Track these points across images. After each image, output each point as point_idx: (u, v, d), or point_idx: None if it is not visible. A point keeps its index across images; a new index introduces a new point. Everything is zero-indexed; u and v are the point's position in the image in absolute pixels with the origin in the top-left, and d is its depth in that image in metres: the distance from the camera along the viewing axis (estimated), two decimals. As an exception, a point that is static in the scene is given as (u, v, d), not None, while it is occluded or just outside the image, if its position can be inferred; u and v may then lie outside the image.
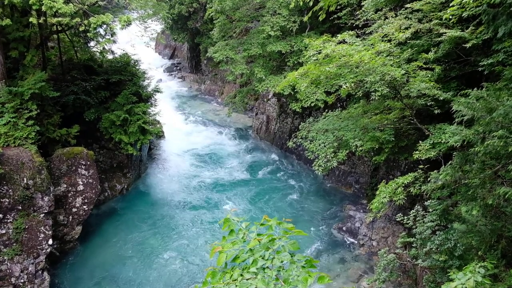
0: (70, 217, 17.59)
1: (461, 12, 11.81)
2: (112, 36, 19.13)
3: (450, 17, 12.23)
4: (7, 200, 14.80)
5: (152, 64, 43.76)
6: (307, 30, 23.27)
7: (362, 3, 16.97)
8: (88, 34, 18.68)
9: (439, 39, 13.01)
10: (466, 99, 9.83)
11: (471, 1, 11.05)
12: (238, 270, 4.45)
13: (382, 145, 14.46)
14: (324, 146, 15.64)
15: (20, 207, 15.03)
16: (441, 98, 12.44)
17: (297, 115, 26.47)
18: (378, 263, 14.46)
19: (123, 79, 21.79)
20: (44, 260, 15.37)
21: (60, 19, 16.20)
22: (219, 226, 19.28)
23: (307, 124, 17.72)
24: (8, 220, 14.80)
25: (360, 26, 16.79)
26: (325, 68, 12.67)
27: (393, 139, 13.99)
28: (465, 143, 9.86)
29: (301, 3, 12.73)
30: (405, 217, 13.73)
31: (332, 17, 19.23)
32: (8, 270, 14.55)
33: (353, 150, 14.91)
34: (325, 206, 21.97)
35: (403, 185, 12.52)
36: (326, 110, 18.25)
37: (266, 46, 22.35)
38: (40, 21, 16.70)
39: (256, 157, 27.64)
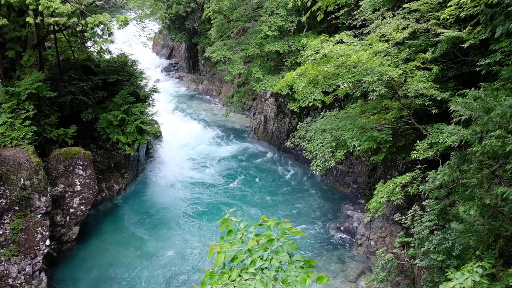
0: (68, 217, 17.54)
1: (458, 12, 11.82)
2: (109, 36, 19.08)
3: (448, 17, 12.25)
4: (4, 200, 14.74)
5: (150, 64, 43.70)
6: (305, 30, 23.27)
7: (360, 3, 16.98)
8: (85, 34, 18.66)
9: (437, 39, 13.03)
10: (463, 99, 9.84)
11: (468, 1, 11.07)
12: (237, 271, 4.44)
13: (380, 145, 14.47)
14: (322, 146, 15.64)
15: (17, 208, 14.98)
16: (439, 98, 12.46)
17: (294, 115, 26.48)
18: (376, 262, 14.47)
19: (121, 79, 21.75)
20: (42, 260, 15.33)
21: (57, 19, 16.14)
22: (217, 226, 19.25)
23: (305, 124, 17.70)
24: (5, 221, 14.74)
25: (358, 26, 16.80)
26: (323, 68, 12.66)
27: (391, 139, 14.00)
28: (462, 143, 9.87)
29: (299, 3, 12.74)
30: (403, 217, 13.75)
31: (330, 17, 19.23)
32: (5, 271, 14.49)
33: (351, 150, 14.91)
34: (323, 206, 21.99)
35: (401, 184, 12.52)
36: (324, 110, 18.26)
37: (264, 46, 22.35)
38: (37, 21, 16.66)
39: (253, 157, 27.62)
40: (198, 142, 29.59)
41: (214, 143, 29.73)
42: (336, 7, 16.29)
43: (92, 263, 17.37)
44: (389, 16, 14.59)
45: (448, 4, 11.91)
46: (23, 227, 14.98)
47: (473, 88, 10.41)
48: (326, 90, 16.16)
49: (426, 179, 11.73)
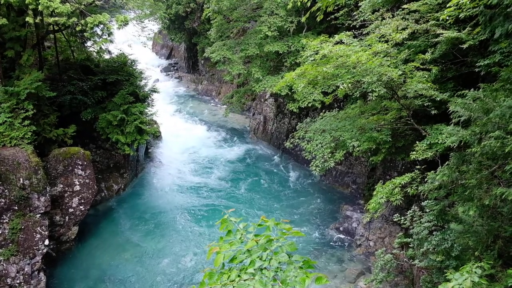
0: (67, 217, 17.52)
1: (458, 13, 11.84)
2: (109, 36, 19.10)
3: (447, 18, 12.26)
4: (3, 200, 14.73)
5: (149, 64, 43.66)
6: (304, 31, 23.28)
7: (359, 4, 17.00)
8: (85, 34, 18.67)
9: (436, 40, 13.05)
10: (463, 99, 9.86)
11: (468, 2, 11.08)
12: (236, 271, 4.44)
13: (379, 145, 14.47)
14: (321, 146, 15.64)
15: (16, 208, 14.96)
16: (438, 99, 12.47)
17: (294, 116, 26.49)
18: (375, 263, 14.47)
19: (120, 79, 21.73)
20: (40, 260, 15.31)
21: (56, 18, 16.14)
22: (216, 226, 19.23)
23: (304, 124, 17.71)
24: (4, 221, 14.73)
25: (357, 26, 16.82)
26: (322, 68, 12.67)
27: (390, 139, 14.01)
28: (462, 143, 9.88)
29: (299, 4, 12.75)
30: (402, 218, 13.75)
31: (329, 18, 19.24)
32: (4, 271, 14.48)
33: (350, 151, 14.92)
34: (322, 207, 21.98)
35: (400, 185, 12.52)
36: (323, 111, 18.26)
37: (264, 46, 22.35)
38: (36, 21, 16.66)
39: (253, 158, 27.62)
40: (197, 143, 29.57)
41: (213, 144, 29.73)
42: (335, 8, 16.30)
43: (91, 263, 17.35)
44: (389, 17, 14.61)
45: (448, 5, 11.92)
46: (22, 227, 14.97)
47: (472, 89, 10.42)
48: (326, 90, 16.18)
49: (425, 179, 11.73)
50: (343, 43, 13.29)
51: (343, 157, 15.98)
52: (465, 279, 6.51)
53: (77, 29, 17.11)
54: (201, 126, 32.76)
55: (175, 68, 47.07)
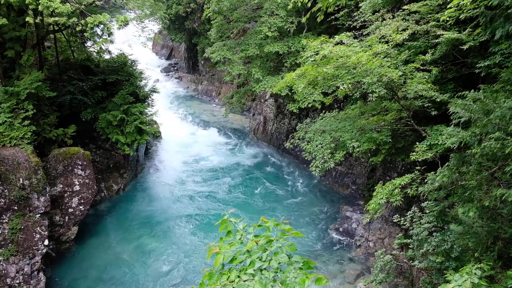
0: (66, 217, 17.51)
1: (458, 14, 11.83)
2: (109, 36, 19.10)
3: (448, 19, 12.26)
4: (2, 200, 14.71)
5: (149, 64, 43.67)
6: (304, 31, 23.28)
7: (360, 5, 17.01)
8: (85, 34, 18.67)
9: (436, 40, 13.05)
10: (463, 101, 9.86)
11: (468, 3, 11.07)
12: (235, 272, 4.44)
13: (379, 146, 14.47)
14: (321, 147, 15.64)
15: (16, 208, 14.95)
16: (438, 100, 12.47)
17: (294, 116, 26.49)
18: (375, 264, 14.46)
19: (120, 79, 21.74)
20: (40, 260, 15.30)
21: (57, 18, 16.15)
22: (216, 227, 19.21)
23: (304, 125, 17.70)
24: (4, 221, 14.72)
25: (357, 27, 16.83)
26: (322, 69, 12.67)
27: (390, 140, 14.00)
28: (462, 144, 9.88)
29: (299, 4, 12.75)
30: (402, 218, 13.74)
31: (329, 18, 19.25)
32: (3, 271, 14.47)
33: (350, 151, 14.91)
34: (322, 207, 21.98)
35: (400, 186, 12.52)
36: (323, 111, 18.26)
37: (264, 46, 22.36)
38: (36, 21, 16.67)
39: (252, 158, 27.61)
40: (197, 143, 29.58)
41: (213, 144, 29.72)
42: (336, 9, 16.30)
43: (90, 263, 17.34)
44: (389, 18, 14.61)
45: (448, 6, 11.92)
46: (22, 227, 14.96)
47: (472, 90, 10.42)
48: (326, 91, 16.17)
49: (425, 180, 11.73)
50: (344, 43, 13.29)
51: (343, 158, 15.96)
52: (465, 280, 6.51)
53: (77, 29, 17.12)
54: (201, 126, 32.76)
55: (175, 68, 47.08)
